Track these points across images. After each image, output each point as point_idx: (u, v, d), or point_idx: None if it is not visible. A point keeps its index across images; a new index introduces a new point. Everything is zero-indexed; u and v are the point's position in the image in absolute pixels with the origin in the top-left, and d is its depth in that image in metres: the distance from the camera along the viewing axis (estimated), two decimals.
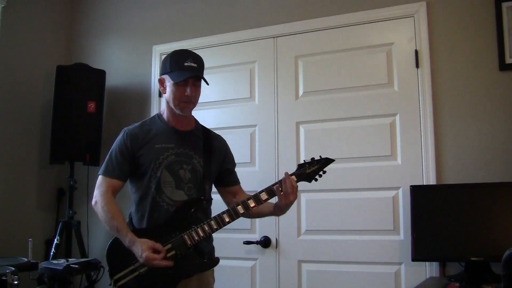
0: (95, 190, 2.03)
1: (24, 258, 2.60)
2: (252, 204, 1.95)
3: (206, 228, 1.92)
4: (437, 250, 2.35)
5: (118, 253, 1.94)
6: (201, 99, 3.14)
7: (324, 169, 2.01)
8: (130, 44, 3.52)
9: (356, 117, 2.77)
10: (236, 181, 2.23)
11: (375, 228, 2.65)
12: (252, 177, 2.84)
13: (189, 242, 1.91)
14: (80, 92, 3.22)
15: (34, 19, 3.45)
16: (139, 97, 3.38)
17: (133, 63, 3.45)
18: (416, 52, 2.67)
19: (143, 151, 2.02)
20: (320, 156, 2.02)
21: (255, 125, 3.02)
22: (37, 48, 3.46)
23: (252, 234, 2.92)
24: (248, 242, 2.88)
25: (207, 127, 2.21)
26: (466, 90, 2.57)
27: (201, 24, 3.26)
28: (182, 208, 1.97)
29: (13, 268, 2.15)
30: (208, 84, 2.02)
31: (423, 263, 2.51)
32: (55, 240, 3.11)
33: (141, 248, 1.85)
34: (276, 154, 2.91)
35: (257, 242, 2.87)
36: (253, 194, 1.97)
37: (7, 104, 3.21)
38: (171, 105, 2.03)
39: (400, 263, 2.58)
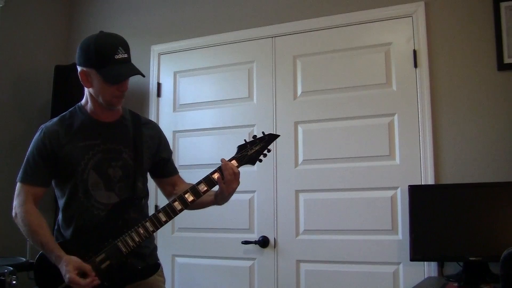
0: (14, 200, 1.81)
1: (22, 258, 2.60)
2: (190, 198, 1.77)
3: (142, 231, 1.73)
4: (436, 250, 2.35)
5: (47, 270, 1.72)
6: (199, 99, 3.20)
7: (269, 147, 1.82)
8: (128, 44, 3.50)
9: (354, 117, 2.77)
10: (174, 171, 2.03)
11: (373, 228, 2.65)
12: (250, 177, 2.84)
13: (124, 250, 1.71)
14: (78, 92, 3.15)
15: (32, 19, 3.45)
16: (138, 97, 3.37)
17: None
18: (415, 52, 2.67)
19: (66, 150, 1.78)
20: (263, 133, 1.86)
21: (253, 125, 3.01)
22: (35, 48, 3.45)
23: (250, 233, 2.92)
24: (246, 242, 2.87)
25: (137, 113, 1.98)
26: (464, 90, 2.57)
27: (199, 24, 3.25)
28: (113, 212, 1.77)
29: (11, 268, 2.15)
30: (144, 76, 1.85)
31: (422, 263, 2.51)
32: None
33: (66, 268, 1.63)
34: (275, 154, 2.90)
35: (255, 242, 2.87)
36: (191, 185, 1.81)
37: (5, 104, 3.20)
38: (101, 101, 1.79)
39: (398, 263, 2.58)
